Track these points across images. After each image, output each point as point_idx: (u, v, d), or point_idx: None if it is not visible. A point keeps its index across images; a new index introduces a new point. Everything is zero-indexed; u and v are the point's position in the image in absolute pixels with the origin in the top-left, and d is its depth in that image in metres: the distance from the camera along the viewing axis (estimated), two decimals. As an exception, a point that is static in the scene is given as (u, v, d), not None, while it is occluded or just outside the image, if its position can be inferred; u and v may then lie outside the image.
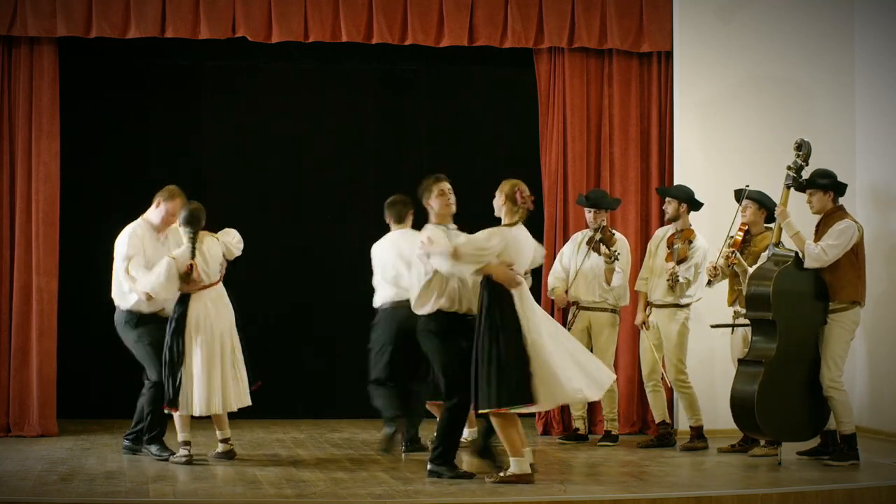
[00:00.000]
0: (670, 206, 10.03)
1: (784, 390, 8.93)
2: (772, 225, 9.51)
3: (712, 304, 10.03)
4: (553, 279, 10.30)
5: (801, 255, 8.99)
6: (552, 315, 10.27)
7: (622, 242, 10.18)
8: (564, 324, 10.43)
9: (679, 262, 9.84)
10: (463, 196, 11.64)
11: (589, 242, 10.11)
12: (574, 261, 10.15)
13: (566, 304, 10.21)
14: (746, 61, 10.90)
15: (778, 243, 9.14)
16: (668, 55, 10.93)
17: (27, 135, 10.27)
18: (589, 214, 10.18)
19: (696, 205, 10.03)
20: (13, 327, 10.23)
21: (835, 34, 11.01)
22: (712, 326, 9.84)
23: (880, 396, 10.56)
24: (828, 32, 11.01)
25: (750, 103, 10.89)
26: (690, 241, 9.90)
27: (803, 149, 9.19)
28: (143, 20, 10.21)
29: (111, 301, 9.14)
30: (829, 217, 9.06)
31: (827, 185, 9.08)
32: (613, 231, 10.20)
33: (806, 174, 9.16)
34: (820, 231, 9.08)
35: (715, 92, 10.86)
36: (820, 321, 8.99)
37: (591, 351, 10.14)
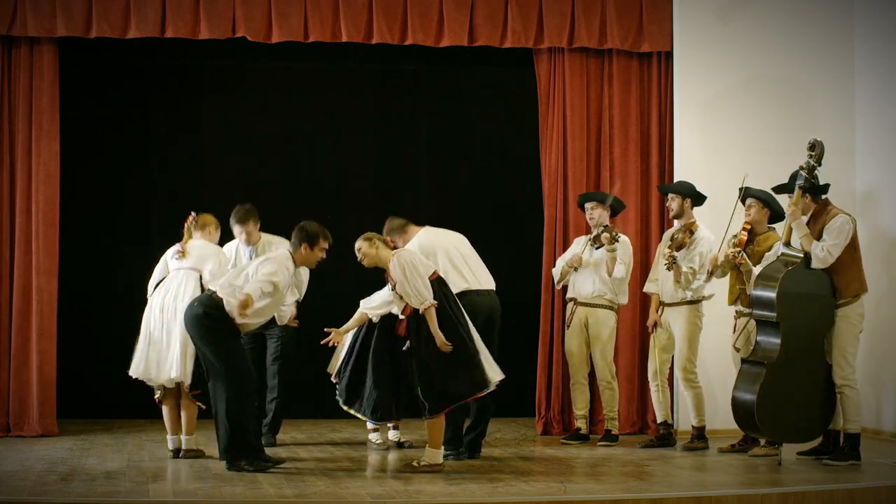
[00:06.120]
0: (674, 203, 9.99)
1: (786, 391, 8.92)
2: (775, 225, 9.52)
3: (711, 304, 10.01)
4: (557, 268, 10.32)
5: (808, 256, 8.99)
6: (555, 304, 10.62)
7: (624, 241, 10.16)
8: (563, 320, 10.45)
9: (677, 249, 9.81)
10: (462, 196, 11.74)
11: (592, 240, 10.10)
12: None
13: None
14: (746, 61, 10.89)
15: (788, 243, 9.12)
16: (668, 55, 10.92)
17: (27, 135, 10.26)
18: (587, 213, 10.19)
19: (699, 199, 10.02)
20: (13, 327, 10.21)
21: (835, 34, 11.01)
22: None
23: (881, 396, 10.56)
24: (828, 32, 11.00)
25: (750, 103, 10.89)
26: (692, 232, 9.88)
27: (816, 149, 9.12)
28: (143, 20, 10.20)
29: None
30: (819, 216, 9.05)
31: (793, 188, 9.06)
32: (618, 232, 10.14)
33: (819, 174, 9.11)
34: (812, 230, 9.05)
35: (715, 92, 10.86)
36: (827, 322, 8.96)
37: (590, 348, 10.18)
